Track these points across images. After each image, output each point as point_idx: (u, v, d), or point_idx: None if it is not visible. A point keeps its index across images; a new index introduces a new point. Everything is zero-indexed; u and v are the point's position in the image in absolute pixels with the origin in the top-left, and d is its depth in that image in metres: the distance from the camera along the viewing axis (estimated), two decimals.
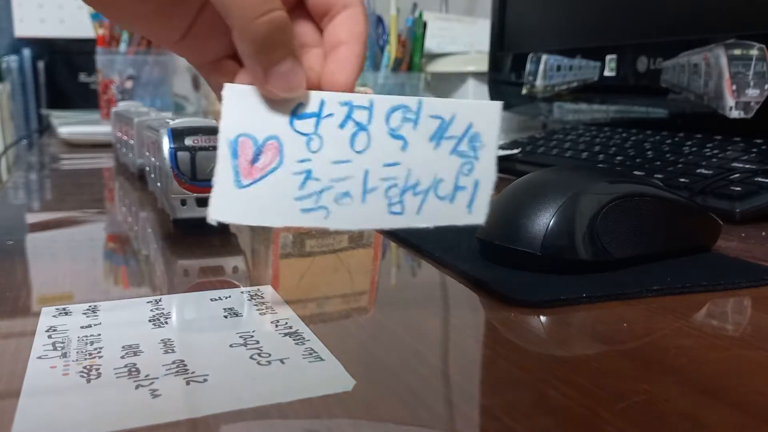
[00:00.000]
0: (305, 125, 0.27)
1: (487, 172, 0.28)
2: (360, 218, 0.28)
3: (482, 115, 0.28)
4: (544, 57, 0.85)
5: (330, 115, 0.27)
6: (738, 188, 0.47)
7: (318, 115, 0.27)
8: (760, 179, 0.48)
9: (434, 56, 1.11)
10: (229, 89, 0.27)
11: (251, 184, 0.27)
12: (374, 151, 0.28)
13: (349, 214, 0.27)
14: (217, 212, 0.27)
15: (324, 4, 0.29)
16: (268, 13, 0.26)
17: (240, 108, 0.27)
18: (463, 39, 1.15)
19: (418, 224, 0.28)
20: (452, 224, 0.28)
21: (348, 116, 0.27)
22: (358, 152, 0.27)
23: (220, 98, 0.28)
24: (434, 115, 0.28)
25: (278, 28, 0.26)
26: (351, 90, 0.28)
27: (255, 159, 0.27)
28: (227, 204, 0.27)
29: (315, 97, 0.27)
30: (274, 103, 0.27)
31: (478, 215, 0.28)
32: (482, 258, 0.36)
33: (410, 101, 0.28)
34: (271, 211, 0.27)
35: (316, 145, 0.27)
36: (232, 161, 0.27)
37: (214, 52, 0.30)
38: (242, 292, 0.32)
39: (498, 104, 0.28)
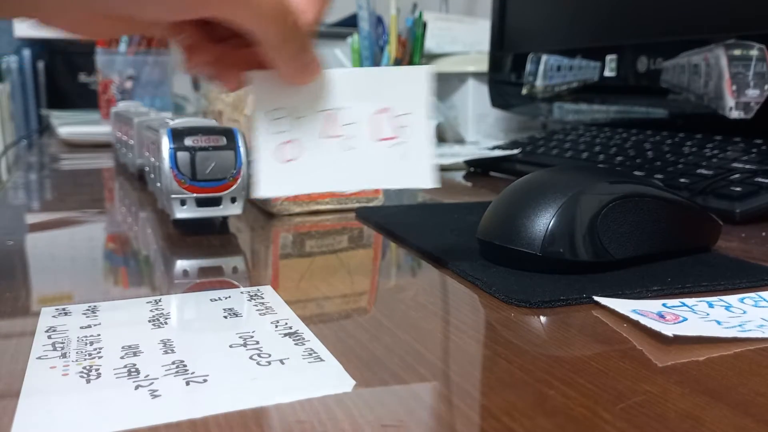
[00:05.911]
0: None
1: None
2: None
3: None
4: (544, 57, 0.85)
5: None
6: (738, 188, 0.47)
7: None
8: (760, 179, 0.48)
9: (434, 56, 1.11)
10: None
11: None
12: None
13: None
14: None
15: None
16: (291, 20, 0.29)
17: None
18: (463, 39, 1.15)
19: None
20: None
21: None
22: None
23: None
24: None
25: (297, 27, 0.29)
26: None
27: None
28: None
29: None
30: None
31: None
32: (482, 258, 0.36)
33: None
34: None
35: None
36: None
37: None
38: (242, 293, 0.32)
39: None
